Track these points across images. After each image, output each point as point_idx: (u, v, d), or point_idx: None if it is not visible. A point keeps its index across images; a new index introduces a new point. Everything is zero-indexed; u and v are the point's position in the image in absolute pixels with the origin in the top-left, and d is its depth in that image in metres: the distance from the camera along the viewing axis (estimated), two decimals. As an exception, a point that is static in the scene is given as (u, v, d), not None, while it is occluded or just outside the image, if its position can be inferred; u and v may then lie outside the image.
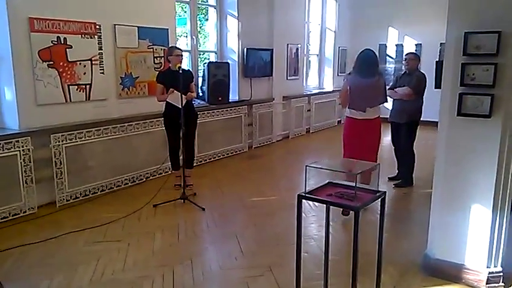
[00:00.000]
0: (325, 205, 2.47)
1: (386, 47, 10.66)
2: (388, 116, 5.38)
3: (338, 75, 10.71)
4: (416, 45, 10.20)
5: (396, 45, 10.55)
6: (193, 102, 5.25)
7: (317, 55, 10.47)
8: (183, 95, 4.65)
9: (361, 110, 4.30)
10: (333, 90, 10.38)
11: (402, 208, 4.78)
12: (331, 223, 4.01)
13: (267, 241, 3.81)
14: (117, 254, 3.54)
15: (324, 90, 10.32)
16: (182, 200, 4.68)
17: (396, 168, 5.55)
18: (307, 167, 2.21)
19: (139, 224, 4.18)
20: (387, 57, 10.65)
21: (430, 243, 3.24)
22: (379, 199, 2.31)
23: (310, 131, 9.43)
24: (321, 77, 10.64)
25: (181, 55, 4.95)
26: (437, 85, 3.09)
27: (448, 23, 2.88)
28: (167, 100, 4.90)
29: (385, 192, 2.35)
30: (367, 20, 10.69)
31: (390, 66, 10.65)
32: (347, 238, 3.84)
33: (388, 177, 5.55)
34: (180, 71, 4.66)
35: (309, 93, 9.47)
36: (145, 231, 3.99)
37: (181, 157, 5.04)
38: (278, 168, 6.61)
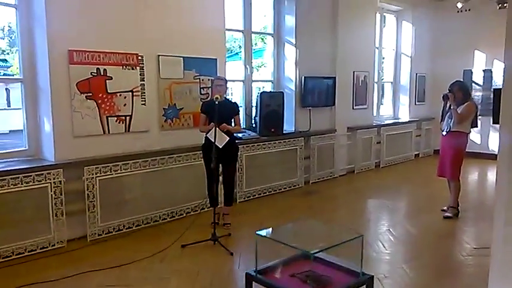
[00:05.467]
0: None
1: (472, 73, 9.53)
2: None
3: (416, 104, 9.78)
4: (508, 70, 8.97)
5: (484, 70, 9.38)
6: (235, 135, 4.93)
7: (391, 82, 9.68)
8: (217, 128, 4.38)
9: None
10: (410, 121, 9.49)
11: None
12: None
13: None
14: (123, 301, 3.25)
15: (399, 121, 9.47)
16: (213, 242, 4.32)
17: None
18: (258, 236, 1.70)
19: (160, 267, 3.87)
20: (473, 84, 9.50)
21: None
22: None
23: (380, 166, 8.61)
24: (396, 106, 9.80)
25: (221, 85, 4.69)
26: (495, 120, 2.40)
27: (506, 40, 2.23)
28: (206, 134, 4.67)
29: (372, 276, 1.73)
30: (449, 44, 9.68)
31: (477, 94, 9.45)
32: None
33: None
34: (217, 102, 4.40)
35: (378, 123, 8.70)
36: (162, 277, 3.66)
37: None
38: (333, 207, 5.97)
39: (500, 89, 2.33)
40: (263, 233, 1.72)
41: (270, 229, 2.13)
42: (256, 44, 9.24)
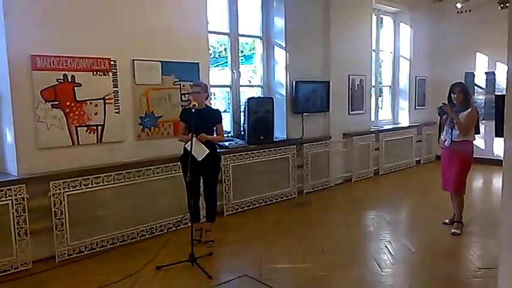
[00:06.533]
0: None
1: (474, 75, 9.14)
2: None
3: (416, 108, 9.39)
4: (511, 72, 8.56)
5: (486, 73, 8.99)
6: (216, 144, 4.55)
7: (390, 86, 9.30)
8: (195, 138, 4.02)
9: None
10: (410, 126, 9.09)
11: None
12: None
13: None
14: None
15: (398, 126, 9.07)
16: (191, 263, 3.92)
17: None
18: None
19: (129, 293, 3.49)
20: (476, 87, 9.10)
21: None
22: None
23: (380, 173, 8.21)
24: (395, 111, 9.41)
25: (198, 92, 4.33)
26: (498, 132, 2.00)
27: (509, 44, 1.86)
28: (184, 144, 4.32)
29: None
30: (449, 46, 9.31)
31: (480, 97, 9.06)
32: None
33: None
34: (193, 110, 4.05)
35: (377, 129, 8.30)
36: (129, 305, 3.29)
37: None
38: (328, 220, 5.55)
39: (503, 95, 1.95)
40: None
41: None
42: (254, 47, 8.89)
